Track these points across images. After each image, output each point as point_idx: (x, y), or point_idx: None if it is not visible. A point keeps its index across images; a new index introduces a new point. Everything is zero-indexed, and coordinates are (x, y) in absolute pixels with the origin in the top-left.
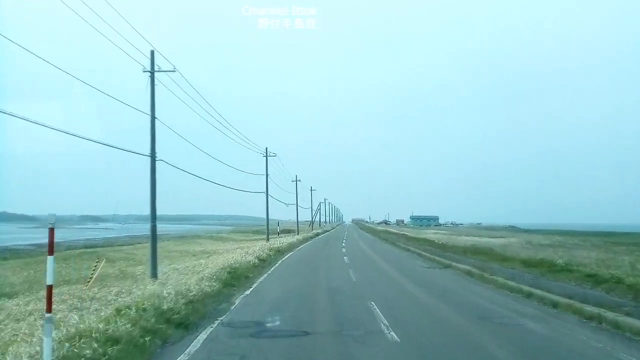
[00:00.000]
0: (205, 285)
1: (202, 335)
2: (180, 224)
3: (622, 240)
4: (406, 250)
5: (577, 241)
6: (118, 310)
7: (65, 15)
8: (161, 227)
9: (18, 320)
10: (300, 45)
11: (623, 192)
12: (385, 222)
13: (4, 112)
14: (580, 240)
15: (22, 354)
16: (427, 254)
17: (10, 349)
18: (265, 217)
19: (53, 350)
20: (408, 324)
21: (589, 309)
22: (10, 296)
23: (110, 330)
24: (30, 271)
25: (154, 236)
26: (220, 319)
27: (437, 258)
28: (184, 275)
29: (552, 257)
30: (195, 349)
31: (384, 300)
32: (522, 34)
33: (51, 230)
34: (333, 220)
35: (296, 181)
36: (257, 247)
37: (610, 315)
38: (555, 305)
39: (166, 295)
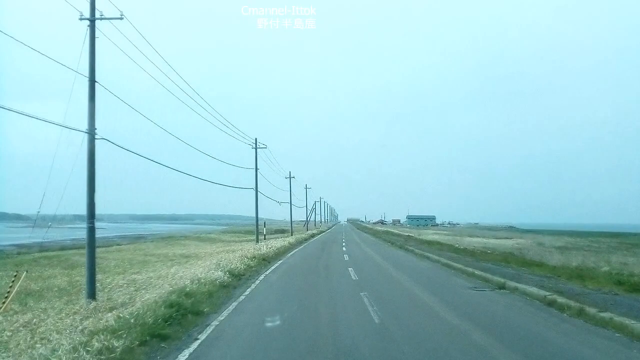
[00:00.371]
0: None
1: None
2: (174, 223)
3: (634, 242)
4: (425, 258)
5: (587, 242)
6: None
7: None
8: (151, 227)
9: None
10: (298, 45)
11: (617, 192)
12: (382, 222)
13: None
14: (591, 242)
15: None
16: (457, 265)
17: None
18: (256, 216)
19: None
20: None
21: None
22: None
23: None
24: None
25: (91, 242)
26: None
27: (476, 272)
28: (138, 292)
29: (587, 263)
30: None
31: None
32: (521, 34)
33: None
34: (328, 220)
35: (290, 178)
36: (238, 254)
37: None
38: None
39: None
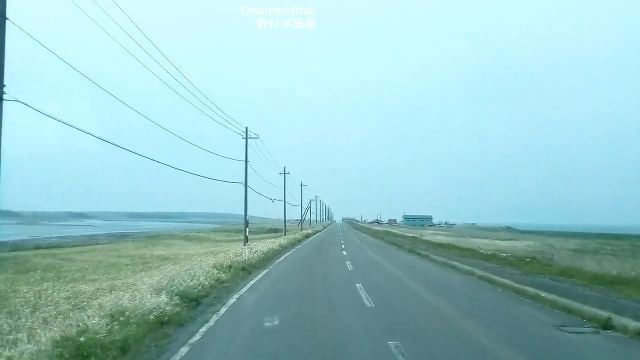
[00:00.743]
0: None
1: None
2: (168, 221)
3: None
4: (449, 267)
5: (597, 245)
6: None
7: None
8: (143, 225)
9: None
10: (298, 45)
11: (609, 194)
12: (377, 222)
13: None
14: (600, 244)
15: None
16: (502, 280)
17: None
18: (244, 213)
19: None
20: None
21: None
22: None
23: None
24: None
25: None
26: None
27: (541, 294)
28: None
29: (625, 270)
30: None
31: None
32: (519, 33)
33: None
34: (324, 219)
35: (284, 174)
36: (212, 262)
37: None
38: None
39: None
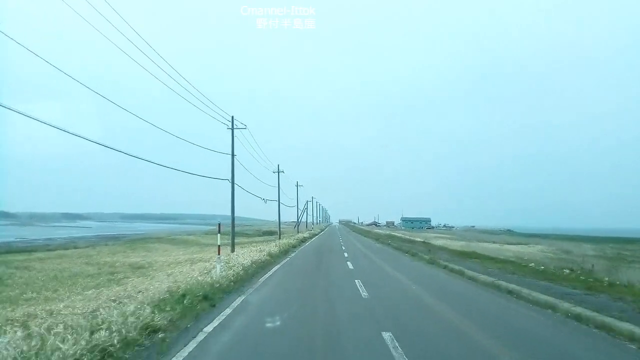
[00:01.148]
0: None
1: None
2: (163, 223)
3: None
4: (506, 293)
5: (614, 250)
6: None
7: None
8: (136, 227)
9: None
10: (297, 45)
11: (607, 196)
12: (375, 224)
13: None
14: (617, 249)
15: None
16: (608, 318)
17: None
18: (232, 214)
19: None
20: None
21: None
22: None
23: None
24: None
25: None
26: None
27: None
28: None
29: None
30: None
31: None
32: (518, 34)
33: None
34: (320, 222)
35: (278, 172)
36: (165, 287)
37: None
38: None
39: None
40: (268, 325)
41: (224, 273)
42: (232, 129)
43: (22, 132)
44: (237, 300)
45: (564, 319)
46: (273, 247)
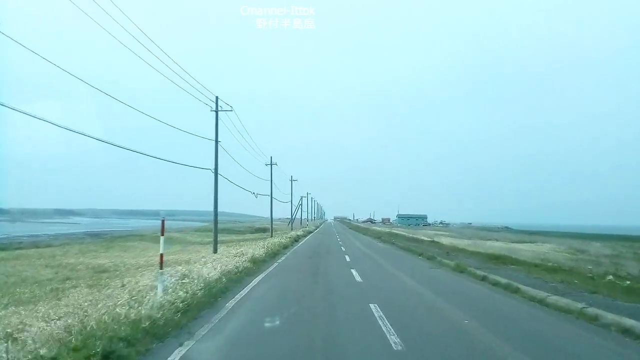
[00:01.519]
0: None
1: None
2: (156, 219)
3: None
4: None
5: (627, 250)
6: None
7: None
8: (127, 223)
9: None
10: (297, 45)
11: (604, 194)
12: (371, 221)
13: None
14: (632, 248)
15: None
16: None
17: None
18: (215, 207)
19: None
20: None
21: None
22: None
23: None
24: None
25: None
26: None
27: None
28: None
29: None
30: None
31: None
32: (518, 34)
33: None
34: (316, 218)
35: (271, 164)
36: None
37: None
38: None
39: None
40: None
41: (168, 297)
42: (217, 112)
43: (21, 131)
44: (170, 357)
45: None
46: (259, 248)
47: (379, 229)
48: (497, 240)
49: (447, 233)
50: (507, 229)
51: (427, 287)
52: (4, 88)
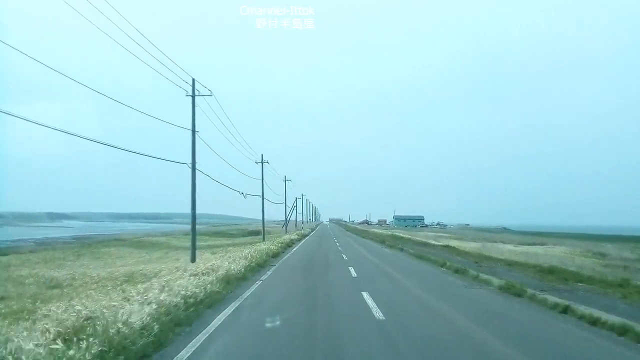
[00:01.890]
0: None
1: None
2: (150, 222)
3: None
4: None
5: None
6: None
7: None
8: (118, 226)
9: None
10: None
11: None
12: (367, 223)
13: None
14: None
15: None
16: None
17: None
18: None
19: None
20: None
21: None
22: None
23: None
24: None
25: None
26: None
27: None
28: None
29: None
30: None
31: None
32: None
33: None
34: (311, 220)
35: (262, 162)
36: None
37: None
38: None
39: None
40: None
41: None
42: (193, 96)
43: (20, 134)
44: None
45: None
46: (240, 259)
47: (379, 231)
48: (503, 242)
49: (449, 235)
50: (505, 230)
51: (485, 327)
52: None
